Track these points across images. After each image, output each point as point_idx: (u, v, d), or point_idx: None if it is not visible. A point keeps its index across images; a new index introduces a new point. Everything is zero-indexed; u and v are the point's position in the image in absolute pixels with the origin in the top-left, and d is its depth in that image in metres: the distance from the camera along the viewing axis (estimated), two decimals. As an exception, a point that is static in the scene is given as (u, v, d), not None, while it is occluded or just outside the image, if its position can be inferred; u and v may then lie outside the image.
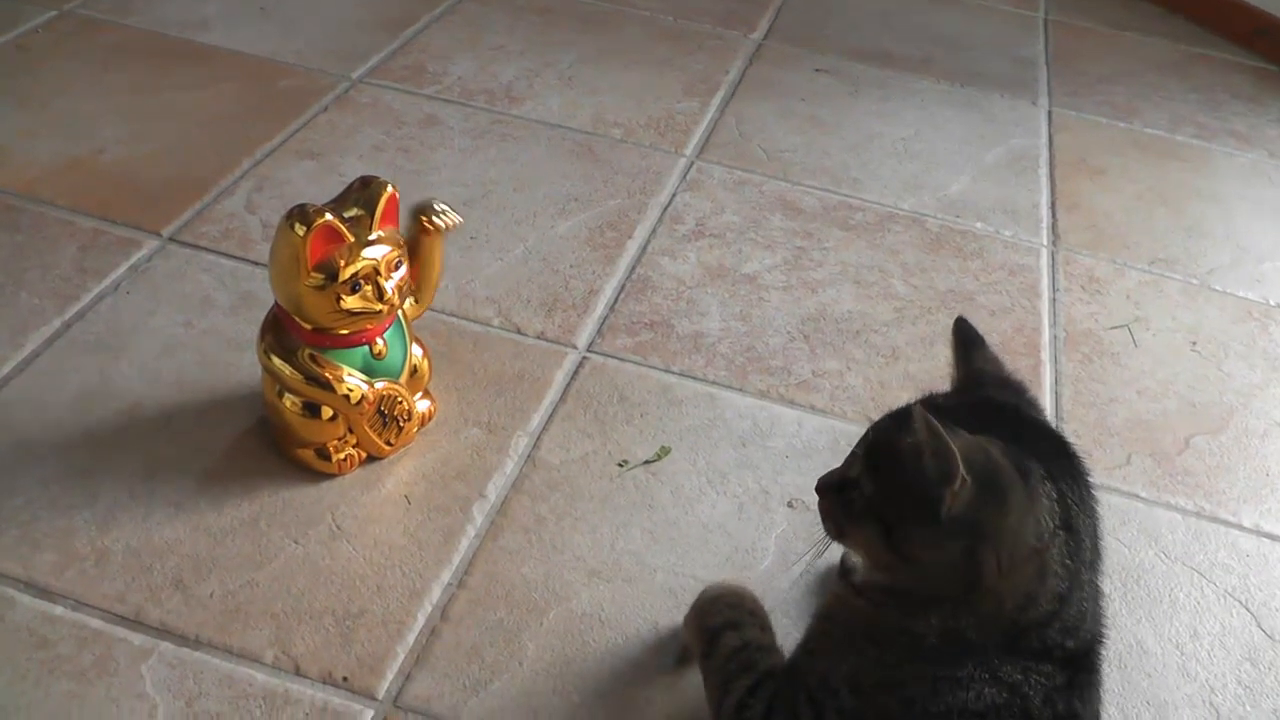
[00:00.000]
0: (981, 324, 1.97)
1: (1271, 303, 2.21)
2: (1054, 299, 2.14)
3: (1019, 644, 1.15)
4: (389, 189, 1.49)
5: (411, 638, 1.43)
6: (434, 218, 1.57)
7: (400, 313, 1.59)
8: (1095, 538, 1.20)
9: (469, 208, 2.17)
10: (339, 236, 1.44)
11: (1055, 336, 2.05)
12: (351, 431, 1.59)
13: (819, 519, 1.30)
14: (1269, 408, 1.96)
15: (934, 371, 1.91)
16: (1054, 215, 2.39)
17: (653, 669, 1.43)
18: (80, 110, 2.31)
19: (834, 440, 1.77)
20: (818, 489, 1.29)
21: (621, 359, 1.87)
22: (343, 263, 1.44)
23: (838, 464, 1.33)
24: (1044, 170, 2.54)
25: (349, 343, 1.53)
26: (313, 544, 1.52)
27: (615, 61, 2.74)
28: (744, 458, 1.73)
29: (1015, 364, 1.94)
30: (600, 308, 1.97)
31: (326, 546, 1.52)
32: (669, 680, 1.42)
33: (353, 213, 1.48)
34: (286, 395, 1.55)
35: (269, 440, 1.65)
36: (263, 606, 1.44)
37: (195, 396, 1.71)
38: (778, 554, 1.59)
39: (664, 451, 1.73)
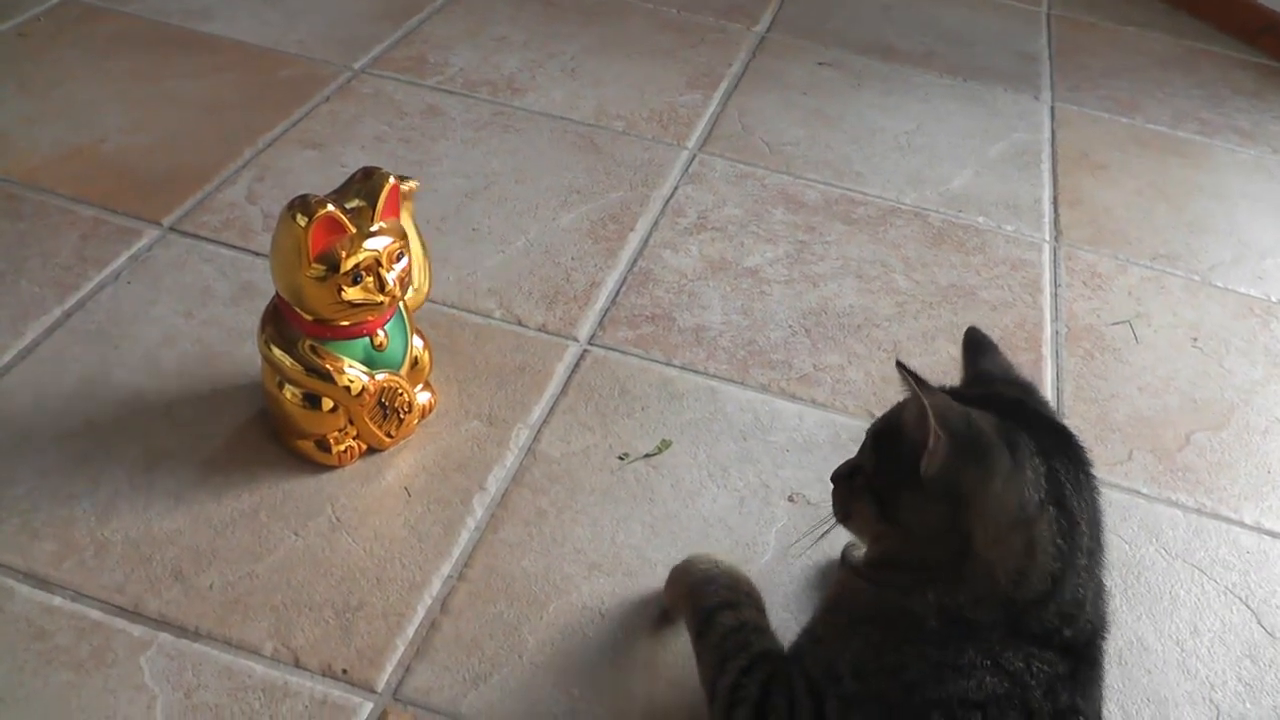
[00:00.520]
0: (983, 319, 1.98)
1: (1273, 299, 2.20)
2: (1056, 294, 2.14)
3: (1019, 626, 1.15)
4: (391, 180, 1.49)
5: (411, 630, 1.43)
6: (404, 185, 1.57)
7: (401, 304, 1.59)
8: (1095, 527, 1.20)
9: (471, 199, 2.17)
10: (341, 228, 1.44)
11: (1057, 332, 2.04)
12: (352, 423, 1.59)
13: (823, 512, 1.32)
14: (1270, 404, 1.95)
15: (935, 366, 1.91)
16: (1056, 210, 2.39)
17: (652, 663, 1.43)
18: (82, 98, 2.31)
19: (834, 434, 1.77)
20: (832, 478, 1.32)
21: (623, 352, 1.87)
22: (344, 254, 1.44)
23: (838, 459, 1.35)
24: (1046, 165, 2.54)
25: (350, 334, 1.53)
26: (312, 536, 1.52)
27: (618, 53, 2.73)
28: (745, 451, 1.73)
29: (1017, 359, 1.93)
30: (602, 300, 1.97)
31: (326, 538, 1.52)
32: (669, 674, 1.42)
33: (354, 204, 1.48)
34: (287, 386, 1.55)
35: (269, 431, 1.64)
36: (262, 598, 1.44)
37: (195, 387, 1.71)
38: (778, 548, 1.59)
39: (665, 445, 1.72)
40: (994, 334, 1.93)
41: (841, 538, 1.44)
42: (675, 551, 1.54)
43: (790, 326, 1.97)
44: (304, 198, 1.43)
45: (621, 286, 2.01)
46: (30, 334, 1.76)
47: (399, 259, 1.50)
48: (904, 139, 2.56)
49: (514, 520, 1.58)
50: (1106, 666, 1.21)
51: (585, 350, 1.87)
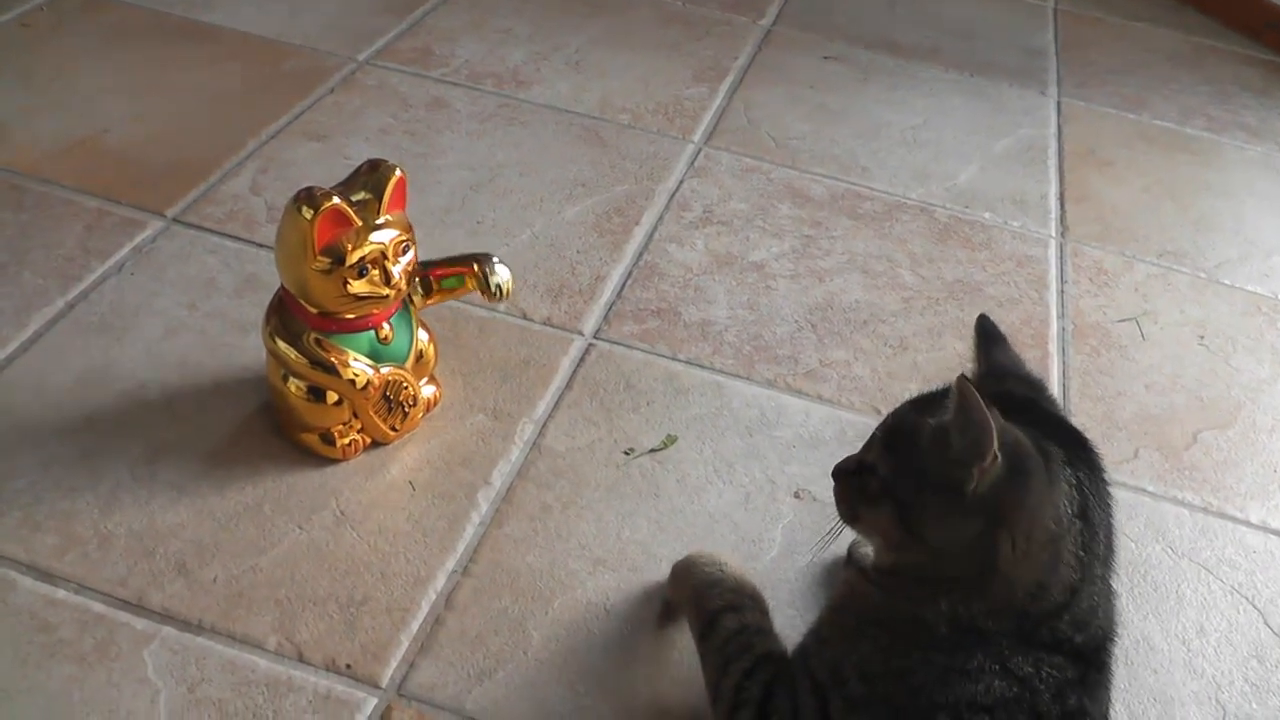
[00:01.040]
0: (989, 315, 1.97)
1: (1280, 297, 2.20)
2: (1062, 291, 2.13)
3: (1031, 635, 1.15)
4: (397, 172, 1.48)
5: (416, 625, 1.42)
6: (489, 278, 1.59)
7: (407, 298, 1.58)
8: (1109, 532, 1.20)
9: (475, 192, 2.16)
10: (346, 220, 1.43)
11: (1063, 329, 2.04)
12: (356, 416, 1.59)
13: (829, 509, 1.30)
14: (1277, 403, 1.95)
15: (941, 362, 1.90)
16: (1062, 206, 2.38)
17: (657, 659, 1.43)
18: (84, 89, 2.30)
19: (841, 431, 1.76)
20: (834, 474, 1.29)
21: (628, 346, 1.87)
22: (350, 247, 1.43)
23: (844, 454, 1.33)
24: (1053, 161, 2.53)
25: (355, 327, 1.52)
26: (317, 530, 1.52)
27: (624, 46, 2.73)
28: (750, 447, 1.72)
29: (1023, 356, 1.92)
30: (607, 294, 1.96)
31: (330, 532, 1.52)
32: (673, 671, 1.41)
33: (360, 196, 1.47)
34: (291, 379, 1.54)
35: (273, 424, 1.64)
36: (266, 592, 1.44)
37: (199, 379, 1.70)
38: (784, 545, 1.59)
39: (670, 440, 1.72)
40: (1000, 330, 1.93)
41: (846, 533, 1.43)
42: (680, 547, 1.53)
43: (796, 322, 1.96)
44: (309, 190, 1.42)
45: (627, 280, 2.00)
46: (33, 325, 1.75)
47: (405, 252, 1.49)
48: (910, 134, 2.55)
49: (519, 515, 1.58)
50: (1114, 668, 1.20)
51: (590, 344, 1.86)
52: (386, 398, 1.58)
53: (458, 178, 2.19)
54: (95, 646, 1.35)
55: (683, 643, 1.44)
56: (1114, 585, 1.21)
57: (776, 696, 1.24)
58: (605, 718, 1.36)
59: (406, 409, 1.61)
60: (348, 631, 1.41)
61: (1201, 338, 2.07)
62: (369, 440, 1.62)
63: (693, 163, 2.34)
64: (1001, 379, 1.30)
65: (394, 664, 1.38)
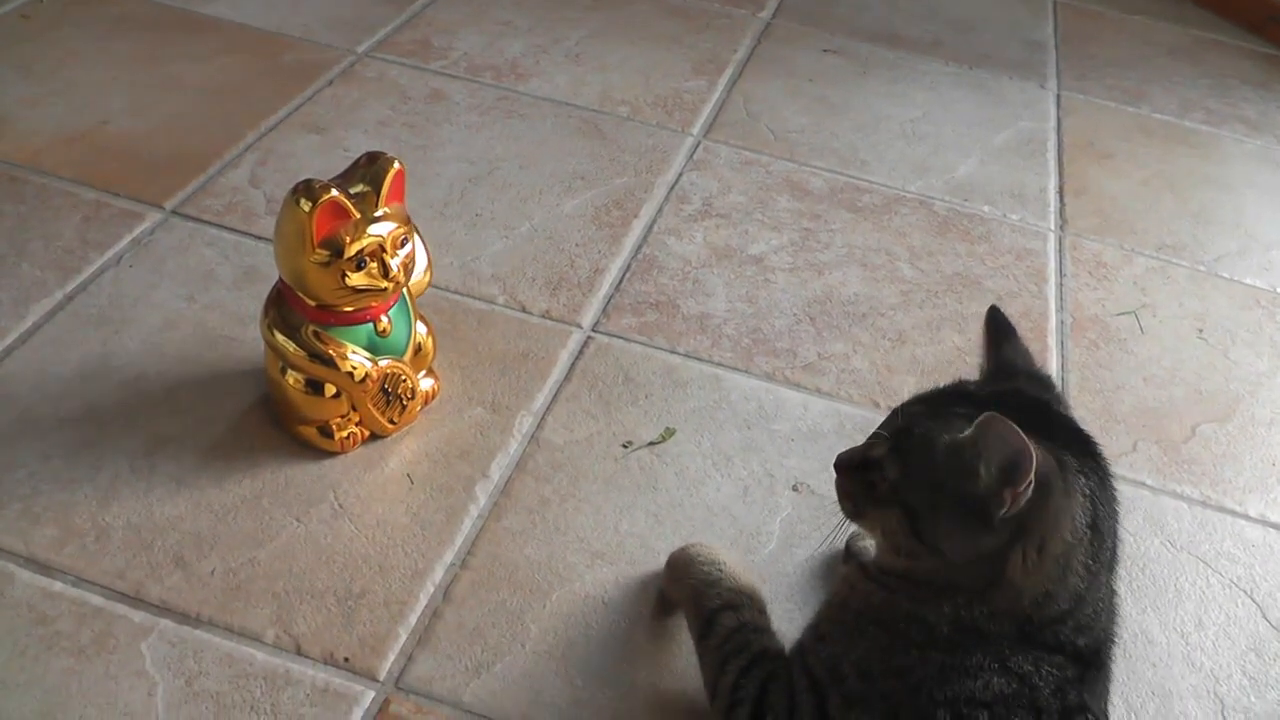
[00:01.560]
0: (988, 308, 1.97)
1: (1279, 290, 2.19)
2: (1061, 284, 2.13)
3: (1032, 637, 1.15)
4: (395, 165, 1.48)
5: (414, 618, 1.42)
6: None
7: (405, 290, 1.58)
8: (1115, 539, 1.20)
9: (474, 185, 2.16)
10: (345, 212, 1.43)
11: (1062, 322, 2.04)
12: (354, 409, 1.58)
13: (828, 502, 1.30)
14: (1276, 396, 1.95)
15: (940, 355, 1.90)
16: (1061, 200, 2.38)
17: (655, 652, 1.43)
18: (84, 81, 2.30)
19: (839, 424, 1.76)
20: (837, 465, 1.28)
21: (627, 339, 1.86)
22: (348, 239, 1.43)
23: (843, 448, 1.32)
24: (1052, 154, 2.53)
25: (353, 320, 1.52)
26: (315, 522, 1.52)
27: (623, 39, 2.72)
28: (749, 440, 1.72)
29: (1022, 349, 1.93)
30: (606, 287, 1.96)
31: (329, 525, 1.52)
32: (672, 664, 1.41)
33: (359, 188, 1.47)
34: (290, 372, 1.54)
35: (271, 417, 1.64)
36: (264, 585, 1.44)
37: (197, 372, 1.70)
38: (782, 538, 1.58)
39: (668, 433, 1.72)
40: (1000, 324, 1.93)
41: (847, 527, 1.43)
42: (678, 540, 1.53)
43: (795, 315, 1.96)
44: (308, 182, 1.42)
45: (626, 273, 2.00)
46: (31, 317, 1.75)
47: (403, 244, 1.49)
48: (909, 127, 2.55)
49: (517, 508, 1.58)
50: (1113, 667, 1.21)
51: (589, 337, 1.86)
52: (385, 390, 1.57)
53: (456, 170, 2.19)
54: (93, 639, 1.35)
55: (680, 636, 1.44)
56: (1115, 586, 1.21)
57: (772, 693, 1.24)
58: (603, 710, 1.36)
59: (405, 402, 1.61)
60: (346, 624, 1.41)
61: (1200, 331, 2.07)
62: (367, 433, 1.62)
63: (692, 156, 2.34)
64: (1012, 376, 1.30)
65: (392, 657, 1.38)
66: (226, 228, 1.98)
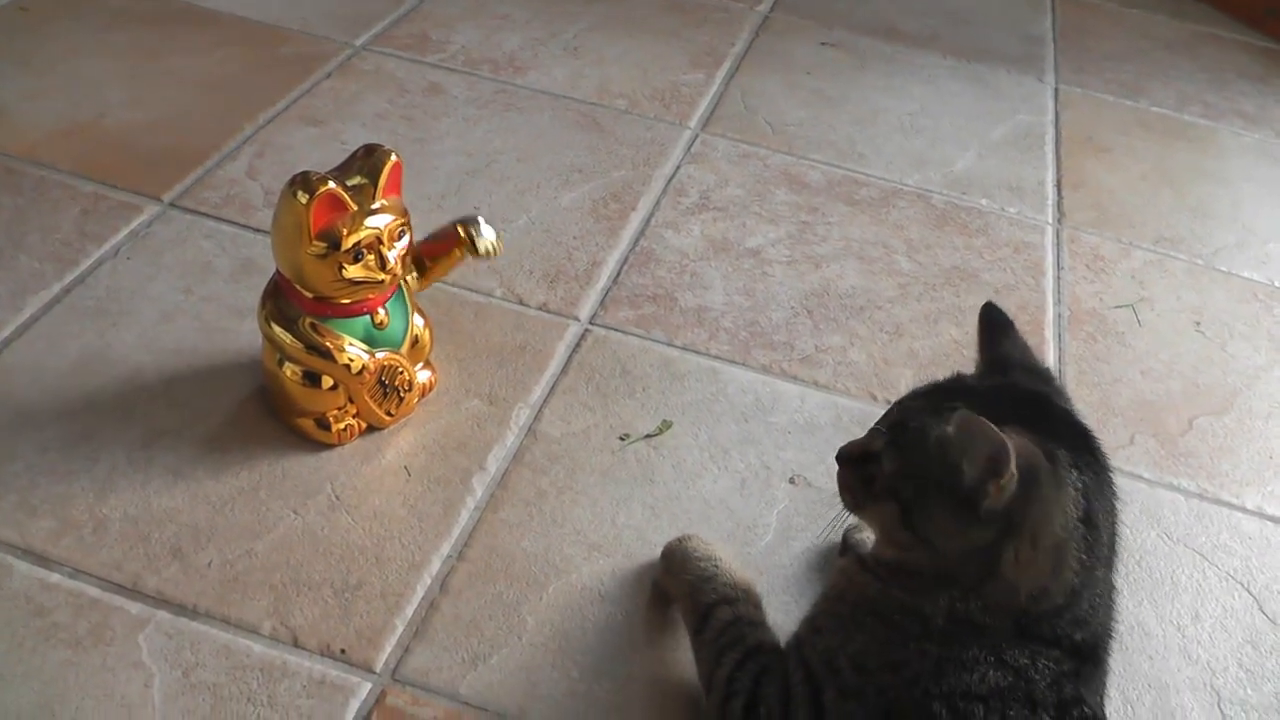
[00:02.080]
0: (985, 301, 1.97)
1: (1276, 284, 2.20)
2: (1058, 277, 2.13)
3: (1028, 631, 1.15)
4: (393, 157, 1.48)
5: (410, 610, 1.43)
6: (476, 241, 1.59)
7: (403, 283, 1.58)
8: (1113, 534, 1.21)
9: (472, 178, 2.16)
10: (342, 205, 1.43)
11: (1059, 315, 2.04)
12: (352, 401, 1.59)
13: (825, 494, 1.30)
14: (1273, 389, 1.95)
15: (937, 348, 1.91)
16: (1059, 193, 2.38)
17: (652, 644, 1.43)
18: (82, 74, 2.30)
19: (836, 416, 1.76)
20: (839, 458, 1.28)
21: (624, 332, 1.87)
22: (345, 231, 1.43)
23: (840, 440, 1.33)
24: (1050, 147, 2.53)
25: (350, 312, 1.52)
26: (312, 514, 1.52)
27: (621, 32, 2.72)
28: (746, 433, 1.72)
29: (1019, 342, 1.93)
30: (603, 280, 1.96)
31: (326, 517, 1.52)
32: (668, 656, 1.42)
33: (356, 181, 1.47)
34: (287, 364, 1.54)
35: (268, 409, 1.64)
36: (261, 577, 1.44)
37: (195, 364, 1.70)
38: (779, 530, 1.59)
39: (666, 426, 1.72)
40: (997, 317, 1.93)
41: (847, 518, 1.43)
42: (675, 533, 1.53)
43: (792, 308, 1.96)
44: (305, 175, 1.42)
45: (623, 266, 2.00)
46: (29, 310, 1.75)
47: (400, 237, 1.49)
48: (907, 120, 2.55)
49: (514, 500, 1.58)
50: (1110, 661, 1.21)
51: (586, 330, 1.86)
52: (382, 383, 1.58)
53: (454, 163, 2.19)
54: (90, 631, 1.36)
55: (677, 628, 1.43)
56: (1114, 581, 1.22)
57: (767, 686, 1.24)
58: (600, 702, 1.36)
59: (402, 394, 1.61)
60: (343, 616, 1.41)
61: (1198, 324, 2.07)
62: (364, 425, 1.62)
63: (689, 149, 2.34)
64: (1006, 370, 1.30)
65: (388, 649, 1.38)
66: (224, 220, 1.98)
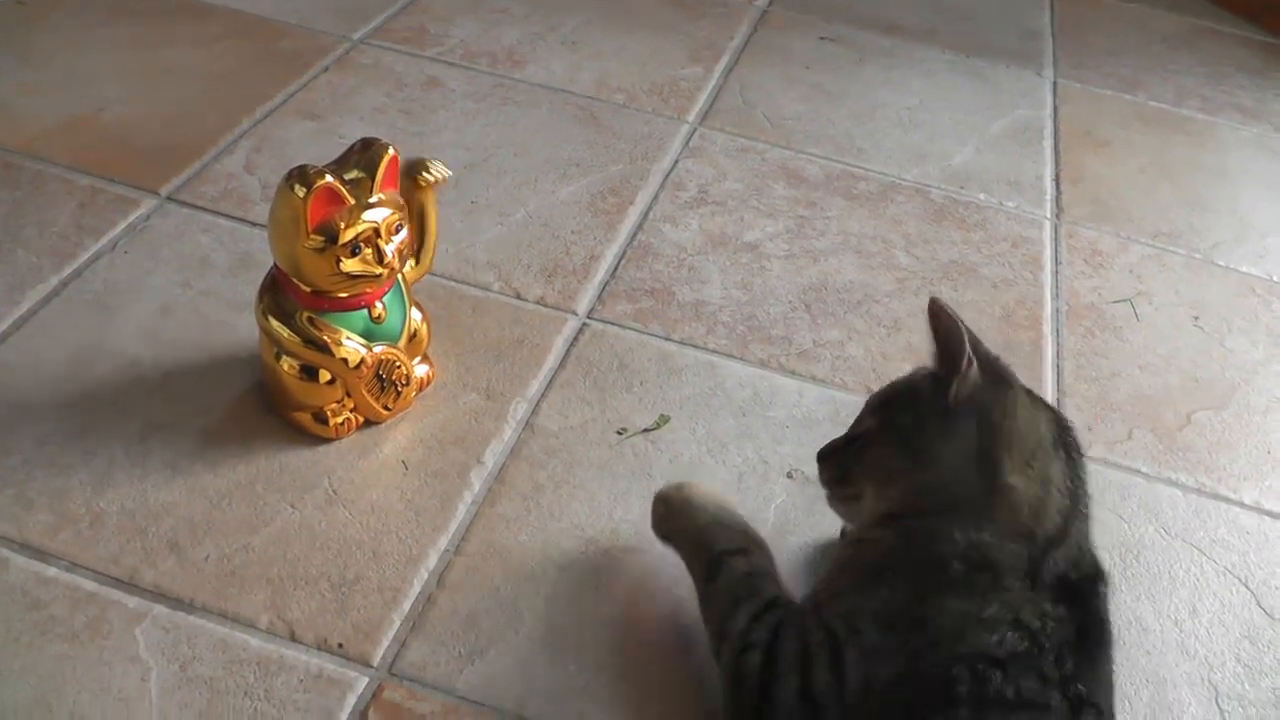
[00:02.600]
0: (984, 296, 1.98)
1: (1275, 278, 2.20)
2: (1056, 272, 2.13)
3: (1037, 571, 1.19)
4: (390, 151, 1.48)
5: (407, 605, 1.42)
6: (424, 173, 1.56)
7: (400, 277, 1.58)
8: (1084, 487, 1.29)
9: (470, 171, 2.16)
10: (339, 199, 1.43)
11: (1057, 310, 2.04)
12: (349, 395, 1.58)
13: (820, 492, 1.32)
14: (1271, 384, 1.95)
15: (935, 343, 1.90)
16: (1058, 187, 2.38)
17: (650, 638, 1.43)
18: (79, 68, 2.29)
19: (834, 411, 1.76)
20: (819, 456, 1.39)
21: (622, 326, 1.86)
22: (343, 225, 1.43)
23: (838, 434, 1.34)
24: (1048, 142, 2.53)
25: (348, 306, 1.52)
26: (309, 509, 1.52)
27: (619, 26, 2.72)
28: (743, 427, 1.72)
29: (1017, 337, 1.93)
30: (601, 274, 1.96)
31: (323, 511, 1.52)
32: (667, 649, 1.41)
33: (353, 175, 1.47)
34: (284, 358, 1.54)
35: (266, 403, 1.64)
36: (258, 571, 1.44)
37: (192, 357, 1.70)
38: (776, 525, 1.58)
39: (663, 420, 1.72)
40: (994, 311, 1.94)
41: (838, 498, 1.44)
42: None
43: (790, 302, 1.96)
44: (302, 168, 1.42)
45: (621, 260, 2.00)
46: (26, 303, 1.75)
47: (398, 231, 1.49)
48: (906, 115, 2.55)
49: (511, 494, 1.58)
50: (1111, 624, 1.26)
51: (584, 324, 1.86)
52: (379, 377, 1.57)
53: (452, 157, 2.18)
54: (87, 624, 1.35)
55: (676, 622, 1.43)
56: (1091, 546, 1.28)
57: (785, 640, 1.23)
58: (597, 696, 1.36)
59: (399, 388, 1.61)
60: (340, 610, 1.40)
61: (1196, 319, 2.07)
62: (361, 419, 1.62)
63: (688, 143, 2.34)
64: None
65: (385, 643, 1.38)
66: (222, 214, 1.97)
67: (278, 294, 1.53)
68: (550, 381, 1.75)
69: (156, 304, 1.78)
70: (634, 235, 2.06)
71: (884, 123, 2.51)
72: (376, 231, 1.46)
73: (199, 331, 1.74)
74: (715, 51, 2.68)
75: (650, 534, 1.50)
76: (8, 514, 1.46)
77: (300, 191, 1.40)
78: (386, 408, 1.62)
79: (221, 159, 2.10)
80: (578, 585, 1.47)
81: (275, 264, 1.52)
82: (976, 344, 1.27)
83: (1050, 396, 1.84)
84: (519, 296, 1.89)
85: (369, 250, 1.46)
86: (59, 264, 1.82)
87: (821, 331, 1.91)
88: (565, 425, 1.69)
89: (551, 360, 1.79)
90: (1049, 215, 2.28)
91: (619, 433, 1.69)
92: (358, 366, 1.53)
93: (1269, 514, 1.72)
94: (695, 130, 2.38)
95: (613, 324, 1.86)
